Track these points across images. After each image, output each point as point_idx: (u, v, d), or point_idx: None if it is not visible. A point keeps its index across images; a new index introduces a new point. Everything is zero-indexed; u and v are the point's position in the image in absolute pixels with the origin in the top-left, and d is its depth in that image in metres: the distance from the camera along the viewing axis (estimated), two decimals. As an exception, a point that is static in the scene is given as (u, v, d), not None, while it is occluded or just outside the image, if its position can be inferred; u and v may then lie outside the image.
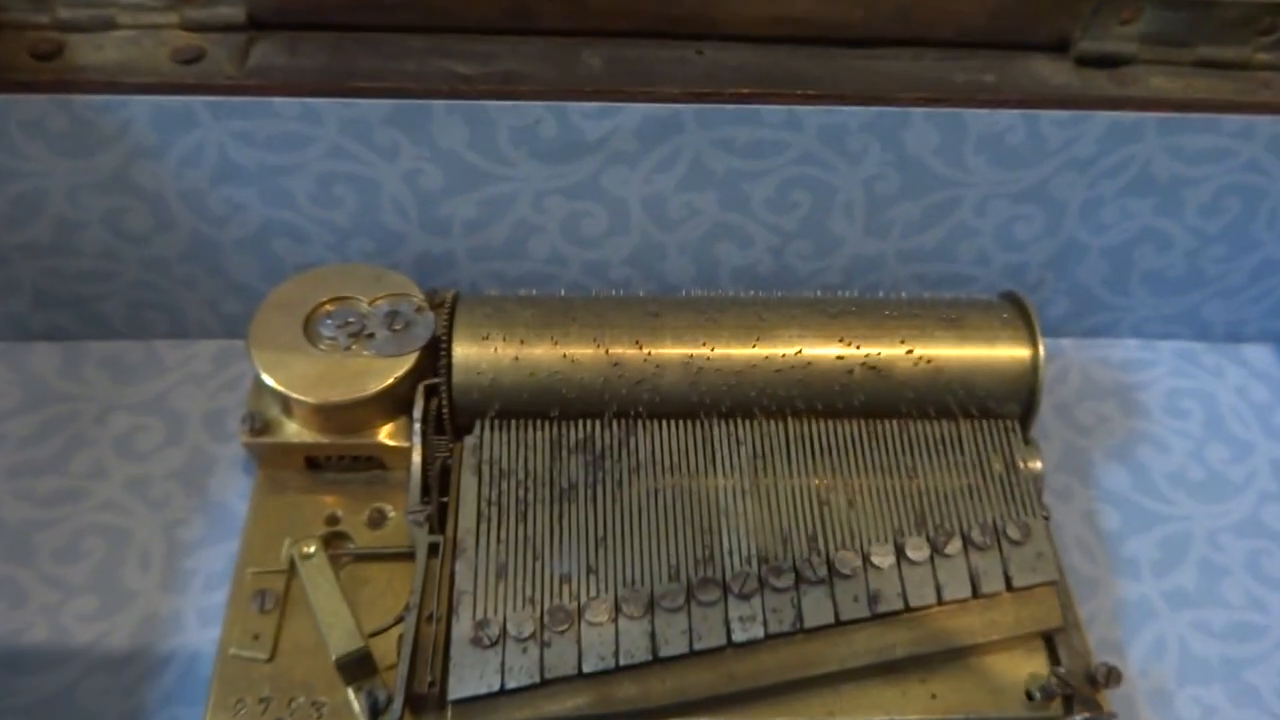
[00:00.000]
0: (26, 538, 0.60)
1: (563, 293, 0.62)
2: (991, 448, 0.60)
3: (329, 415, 0.58)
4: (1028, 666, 0.55)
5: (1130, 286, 0.71)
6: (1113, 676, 0.54)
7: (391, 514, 0.59)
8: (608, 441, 0.58)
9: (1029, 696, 0.54)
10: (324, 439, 0.58)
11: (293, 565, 0.55)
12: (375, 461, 0.60)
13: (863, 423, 0.60)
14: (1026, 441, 0.61)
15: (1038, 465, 0.60)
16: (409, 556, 0.55)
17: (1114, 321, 0.73)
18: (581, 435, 0.58)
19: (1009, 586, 0.56)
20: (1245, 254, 0.69)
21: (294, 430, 0.59)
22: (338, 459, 0.60)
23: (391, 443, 0.59)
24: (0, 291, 0.66)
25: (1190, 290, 0.71)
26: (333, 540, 0.57)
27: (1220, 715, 0.59)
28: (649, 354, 0.58)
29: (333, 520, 0.58)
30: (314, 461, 0.60)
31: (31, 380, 0.67)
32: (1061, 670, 0.54)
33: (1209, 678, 0.60)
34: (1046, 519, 0.58)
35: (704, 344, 0.59)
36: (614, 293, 0.66)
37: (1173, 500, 0.67)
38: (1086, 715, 0.53)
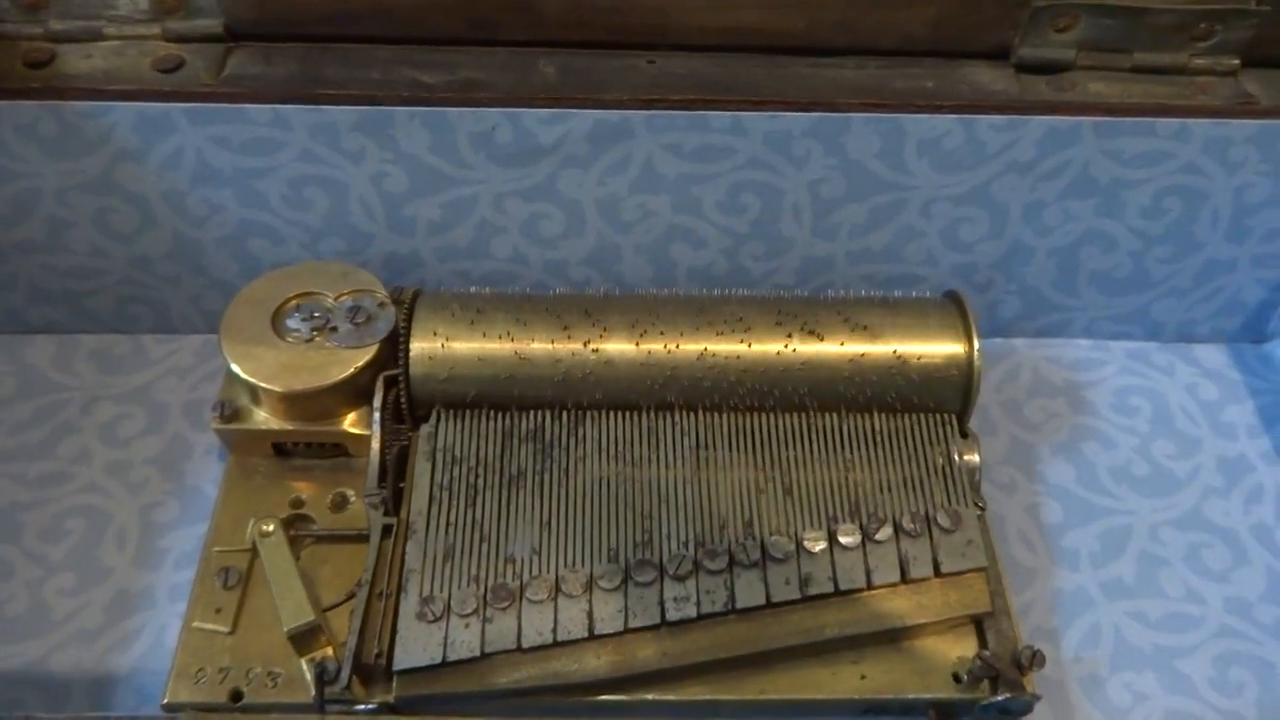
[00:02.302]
0: (13, 517, 0.64)
1: (518, 290, 0.65)
2: (928, 441, 0.62)
3: (294, 403, 0.61)
4: (957, 650, 0.57)
5: (1078, 287, 0.73)
6: (1037, 660, 0.56)
7: (353, 498, 0.62)
8: (556, 432, 0.61)
9: (956, 678, 0.56)
10: (290, 426, 0.62)
11: (255, 545, 0.58)
12: (339, 448, 0.63)
13: (803, 416, 0.62)
14: (964, 436, 0.63)
15: (974, 458, 0.62)
16: (367, 538, 0.59)
17: (1065, 322, 0.75)
18: (532, 425, 0.61)
19: (938, 572, 0.58)
20: (1190, 255, 0.71)
21: (262, 418, 0.62)
22: (304, 445, 0.63)
23: (354, 430, 0.62)
24: (-3, 287, 0.71)
25: (1138, 291, 0.73)
26: (296, 522, 0.60)
27: (1151, 701, 0.61)
28: (596, 319, 0.62)
29: (297, 503, 0.61)
30: (281, 448, 0.63)
31: (25, 370, 0.71)
32: (987, 653, 0.56)
33: (1142, 665, 0.62)
34: (981, 509, 0.60)
35: (650, 313, 0.62)
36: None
37: (1116, 494, 0.69)
38: (1008, 695, 0.55)
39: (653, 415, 0.62)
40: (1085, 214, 0.68)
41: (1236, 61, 0.66)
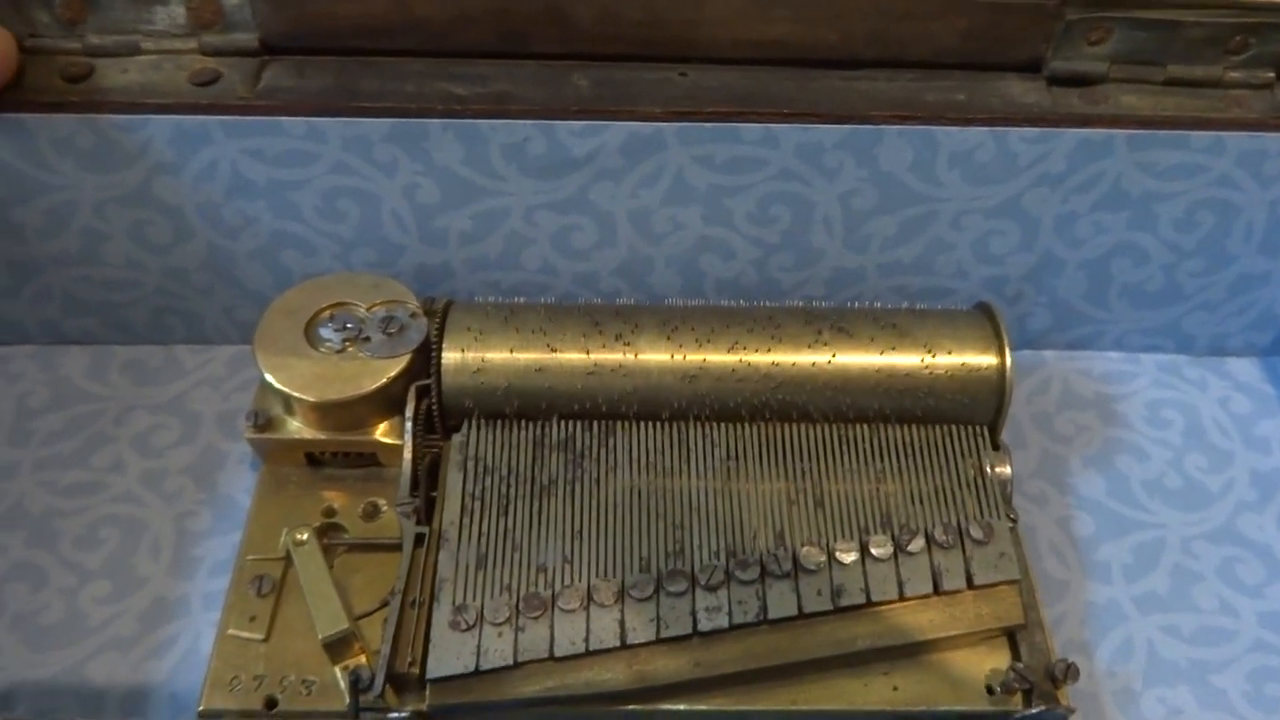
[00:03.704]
0: (49, 525, 0.65)
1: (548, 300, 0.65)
2: (959, 453, 0.62)
3: (327, 413, 0.61)
4: (990, 662, 0.57)
5: (1109, 300, 0.73)
6: (1071, 673, 0.55)
7: (385, 507, 0.62)
8: (587, 442, 0.61)
9: (989, 691, 0.56)
10: (322, 435, 0.62)
11: (289, 553, 0.59)
12: (371, 458, 0.63)
13: (834, 428, 0.62)
14: (996, 447, 0.63)
15: (1006, 470, 0.62)
16: (399, 547, 0.59)
17: (1096, 334, 0.75)
18: (563, 435, 0.61)
19: (970, 584, 0.57)
20: (1223, 268, 0.71)
21: (295, 427, 0.62)
22: (336, 455, 0.63)
23: (386, 440, 0.62)
24: (33, 298, 0.71)
25: (1170, 304, 0.73)
26: (329, 531, 0.61)
27: (1186, 715, 0.60)
28: (627, 318, 0.62)
29: (330, 512, 0.62)
30: (314, 457, 0.63)
31: (60, 381, 0.72)
32: (1020, 665, 0.56)
33: (1176, 679, 0.61)
34: (1014, 522, 0.60)
35: (680, 314, 0.63)
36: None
37: (1148, 508, 0.68)
38: (1042, 708, 0.55)
39: (683, 426, 0.62)
40: (1117, 227, 0.68)
41: (1271, 75, 0.65)
